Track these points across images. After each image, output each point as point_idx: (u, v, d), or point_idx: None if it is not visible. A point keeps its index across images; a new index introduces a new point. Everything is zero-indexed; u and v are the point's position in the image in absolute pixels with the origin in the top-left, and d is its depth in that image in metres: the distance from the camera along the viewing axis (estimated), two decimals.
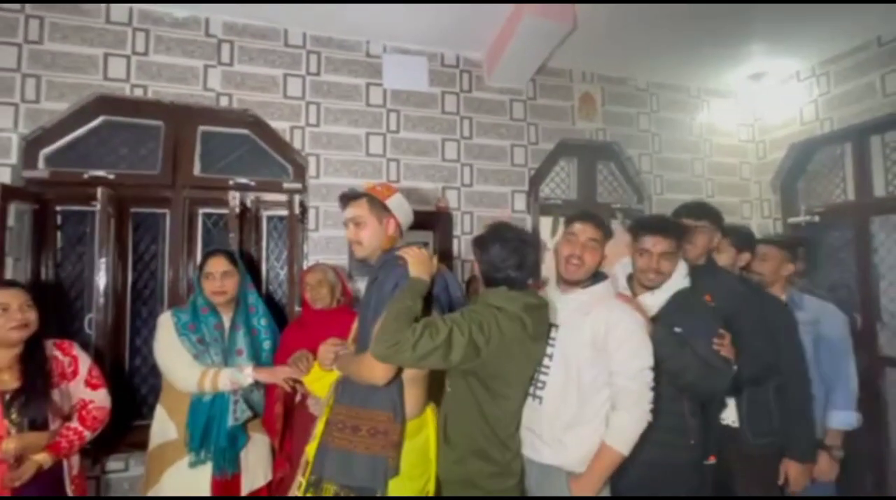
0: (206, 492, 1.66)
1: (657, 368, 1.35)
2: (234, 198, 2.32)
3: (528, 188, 2.89)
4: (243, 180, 2.43)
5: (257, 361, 1.78)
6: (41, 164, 2.20)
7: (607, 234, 1.48)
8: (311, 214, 2.49)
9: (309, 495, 1.29)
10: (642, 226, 1.57)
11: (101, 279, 2.11)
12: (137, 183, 2.31)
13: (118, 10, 2.27)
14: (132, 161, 2.36)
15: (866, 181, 2.83)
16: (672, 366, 1.40)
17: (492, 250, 1.33)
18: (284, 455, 1.79)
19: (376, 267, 1.36)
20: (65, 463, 1.54)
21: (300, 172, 2.54)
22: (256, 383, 1.73)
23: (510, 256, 1.31)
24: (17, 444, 1.38)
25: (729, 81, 3.23)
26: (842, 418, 1.79)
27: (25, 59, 2.14)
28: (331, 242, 2.49)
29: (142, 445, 1.79)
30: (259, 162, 2.54)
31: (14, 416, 1.42)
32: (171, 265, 2.34)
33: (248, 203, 2.44)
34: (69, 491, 1.54)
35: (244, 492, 1.73)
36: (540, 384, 1.39)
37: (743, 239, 1.89)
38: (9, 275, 2.00)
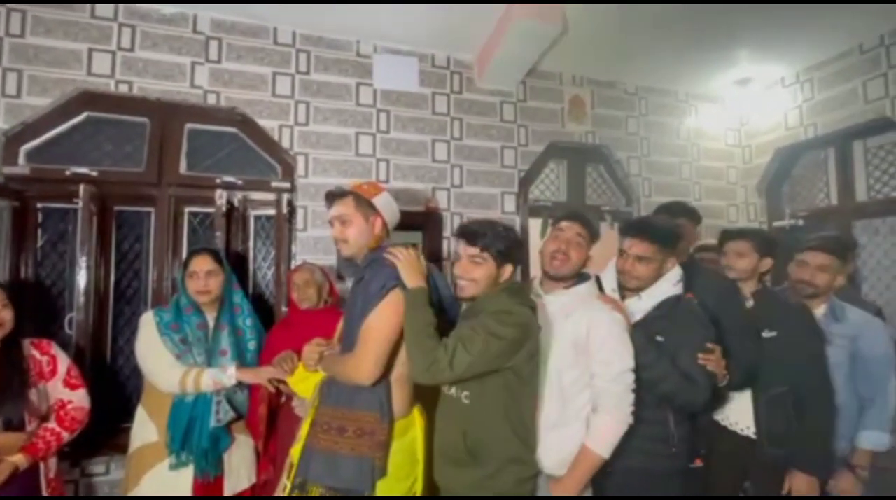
0: (188, 495, 1.62)
1: (635, 375, 1.34)
2: (220, 197, 2.29)
3: (517, 190, 2.89)
4: (230, 179, 2.40)
5: (242, 361, 1.75)
6: (22, 160, 2.15)
7: (594, 234, 1.48)
8: (300, 213, 2.47)
9: (295, 495, 1.27)
10: (626, 227, 1.58)
11: (83, 278, 2.07)
12: (122, 181, 2.27)
13: (103, 5, 2.23)
14: (117, 158, 2.32)
15: (849, 186, 2.89)
16: (648, 375, 1.37)
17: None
18: (268, 457, 1.76)
19: (362, 266, 1.35)
20: (41, 465, 1.50)
21: (289, 172, 2.52)
22: (240, 384, 1.71)
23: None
24: None
25: (716, 86, 3.28)
26: (874, 438, 1.66)
27: (7, 53, 2.10)
28: (319, 242, 2.47)
29: (124, 448, 1.75)
30: (247, 161, 2.52)
31: None
32: (156, 265, 2.30)
33: (236, 202, 2.42)
34: (45, 494, 1.50)
35: (227, 495, 1.69)
36: None
37: (765, 243, 1.77)
38: None
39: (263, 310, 2.30)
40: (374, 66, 2.66)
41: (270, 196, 2.44)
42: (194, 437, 1.62)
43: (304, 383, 1.54)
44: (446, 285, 1.43)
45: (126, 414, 2.21)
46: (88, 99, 2.22)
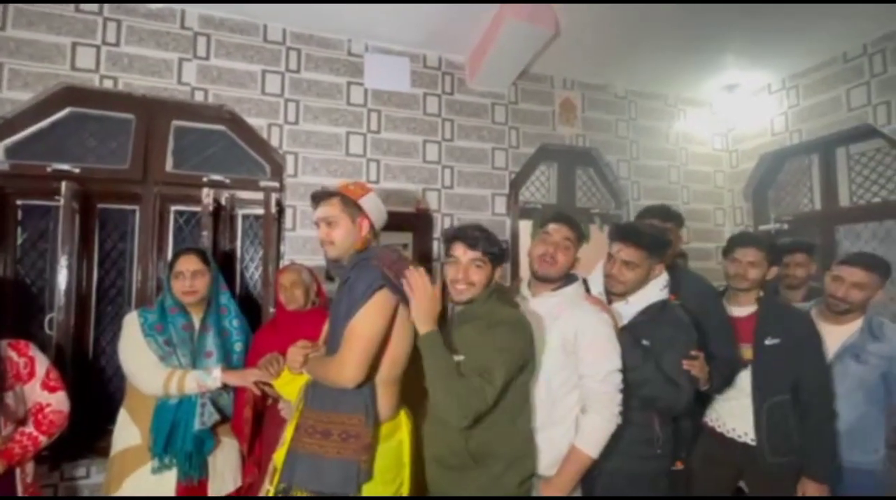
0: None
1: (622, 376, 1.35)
2: (207, 195, 2.25)
3: (508, 191, 2.90)
4: (218, 177, 2.37)
5: (228, 363, 1.73)
6: (1, 155, 2.10)
7: (581, 236, 1.48)
8: (289, 213, 2.45)
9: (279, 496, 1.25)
10: (614, 231, 1.58)
11: (63, 278, 2.02)
12: (105, 178, 2.23)
13: None
14: (100, 155, 2.27)
15: (832, 191, 2.94)
16: (633, 378, 1.38)
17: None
18: (254, 460, 1.74)
19: (348, 268, 1.33)
20: (17, 471, 1.47)
21: (278, 171, 2.49)
22: (226, 386, 1.68)
23: None
24: None
25: (704, 91, 3.32)
26: None
27: None
28: (308, 242, 2.45)
29: (106, 451, 1.71)
30: (235, 159, 2.48)
31: None
32: (140, 264, 2.26)
33: (223, 201, 2.38)
34: None
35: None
36: None
37: (772, 251, 1.73)
38: None
39: (251, 311, 2.27)
40: (366, 65, 2.64)
41: (259, 195, 2.41)
42: (178, 440, 1.59)
43: (290, 385, 1.52)
44: None
45: (108, 417, 2.17)
46: (72, 94, 2.18)
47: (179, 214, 2.41)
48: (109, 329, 2.27)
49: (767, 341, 1.67)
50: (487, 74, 2.74)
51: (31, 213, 2.20)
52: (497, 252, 1.36)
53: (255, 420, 1.72)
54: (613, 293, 1.55)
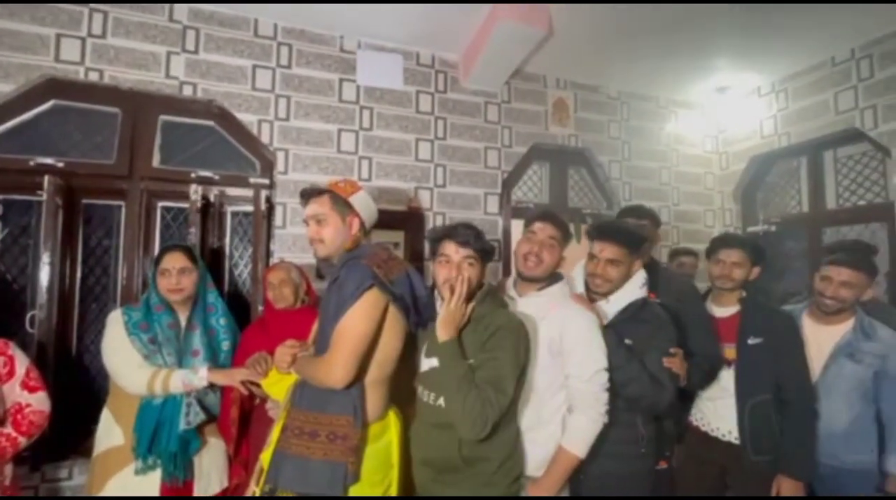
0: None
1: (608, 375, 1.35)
2: (195, 191, 2.22)
3: (500, 191, 2.89)
4: (206, 174, 2.33)
5: (216, 362, 1.70)
6: None
7: (567, 235, 1.48)
8: (279, 210, 2.42)
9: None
10: (595, 230, 1.57)
11: (46, 274, 1.98)
12: (90, 173, 2.18)
13: None
14: (85, 149, 2.22)
15: (819, 194, 2.98)
16: (617, 377, 1.38)
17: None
18: (240, 461, 1.72)
19: (338, 266, 1.32)
20: None
21: (268, 167, 2.46)
22: (212, 385, 1.66)
23: None
24: None
25: (695, 94, 3.35)
26: None
27: None
28: (298, 240, 2.42)
29: (89, 451, 1.68)
30: (224, 155, 2.45)
31: None
32: (126, 261, 2.22)
33: (212, 198, 2.35)
34: None
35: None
36: None
37: (756, 252, 1.74)
38: None
39: (240, 309, 2.24)
40: (358, 62, 2.62)
41: (248, 192, 2.38)
42: (162, 440, 1.56)
43: (277, 385, 1.49)
44: (423, 285, 1.41)
45: (91, 417, 2.12)
46: (55, 86, 2.12)
47: (167, 210, 2.37)
48: (93, 327, 2.23)
49: (750, 341, 1.68)
50: (480, 73, 2.73)
51: (12, 208, 2.14)
52: (488, 249, 1.36)
53: (242, 420, 1.70)
54: (596, 292, 1.55)
